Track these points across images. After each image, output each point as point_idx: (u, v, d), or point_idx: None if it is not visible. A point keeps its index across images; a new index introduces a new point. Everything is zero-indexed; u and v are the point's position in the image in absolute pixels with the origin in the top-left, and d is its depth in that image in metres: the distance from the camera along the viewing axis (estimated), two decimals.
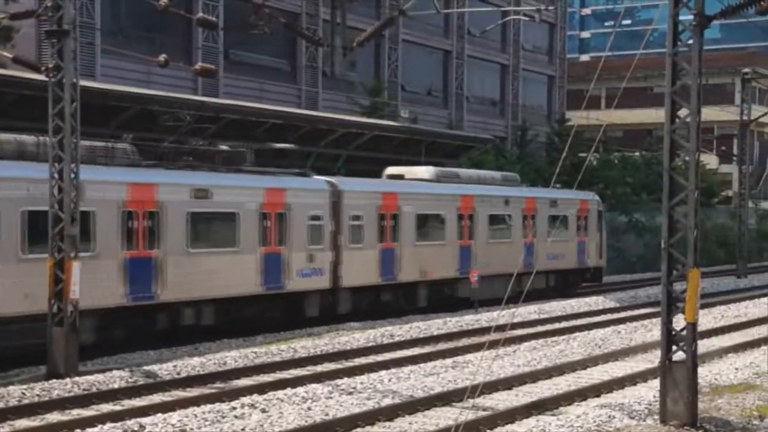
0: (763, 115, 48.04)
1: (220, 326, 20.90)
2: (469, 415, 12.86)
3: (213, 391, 15.35)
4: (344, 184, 24.74)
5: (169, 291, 19.77)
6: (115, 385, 15.72)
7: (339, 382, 16.22)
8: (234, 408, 13.93)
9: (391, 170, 28.39)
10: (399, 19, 20.31)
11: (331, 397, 14.90)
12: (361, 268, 24.67)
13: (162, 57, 18.58)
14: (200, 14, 18.48)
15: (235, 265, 21.26)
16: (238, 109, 27.20)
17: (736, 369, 16.99)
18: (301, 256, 22.97)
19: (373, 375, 16.94)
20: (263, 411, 13.90)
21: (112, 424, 12.75)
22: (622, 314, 26.80)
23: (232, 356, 18.39)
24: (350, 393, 15.29)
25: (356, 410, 13.84)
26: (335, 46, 16.72)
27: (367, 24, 25.86)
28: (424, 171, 28.54)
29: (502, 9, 30.75)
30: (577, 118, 42.42)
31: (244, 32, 29.49)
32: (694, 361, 12.70)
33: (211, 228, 21.12)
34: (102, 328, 18.89)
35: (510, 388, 16.02)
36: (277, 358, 18.58)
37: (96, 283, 18.16)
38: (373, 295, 25.47)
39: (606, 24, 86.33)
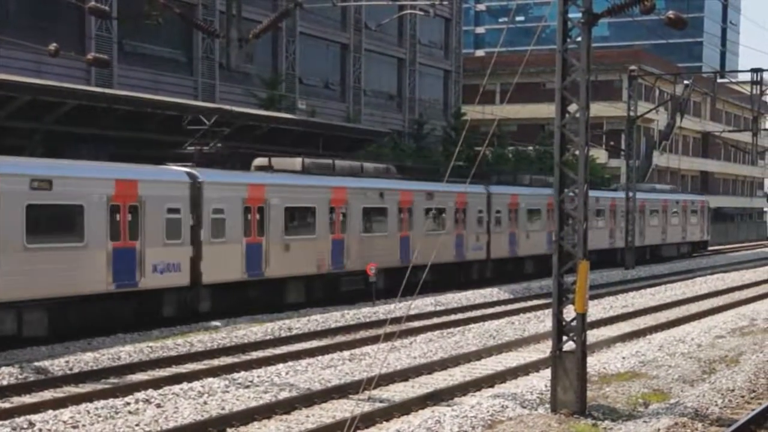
0: (648, 111, 49.58)
1: None
2: (366, 407, 12.98)
3: (106, 386, 15.11)
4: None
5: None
6: (4, 382, 15.30)
7: (236, 375, 16.15)
8: (128, 403, 13.73)
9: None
10: (296, 11, 20.29)
11: (227, 391, 14.82)
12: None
13: (53, 46, 18.11)
14: (92, 3, 18.05)
15: None
16: (131, 100, 26.70)
17: (623, 358, 17.55)
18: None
19: (271, 368, 16.91)
20: (158, 406, 13.74)
21: (0, 422, 12.42)
22: (516, 305, 27.37)
23: (127, 351, 18.10)
24: (247, 387, 15.24)
25: (253, 404, 13.82)
26: (231, 38, 16.60)
27: (264, 16, 25.70)
28: None
29: (399, 3, 31.04)
30: (473, 112, 43.07)
31: (138, 22, 29.00)
32: (583, 350, 13.07)
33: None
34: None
35: (406, 380, 16.22)
36: (173, 353, 18.36)
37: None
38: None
39: (500, 20, 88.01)
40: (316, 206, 25.96)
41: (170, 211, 21.67)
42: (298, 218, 25.42)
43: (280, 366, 17.15)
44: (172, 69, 38.43)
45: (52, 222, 19.25)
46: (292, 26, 43.81)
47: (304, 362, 17.63)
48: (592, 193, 40.73)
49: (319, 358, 18.19)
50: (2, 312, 18.27)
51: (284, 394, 14.57)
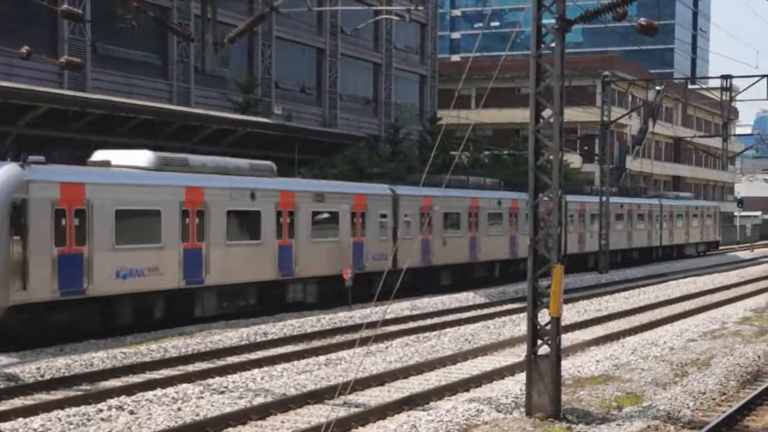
0: (621, 117, 49.89)
1: None
2: (341, 412, 12.98)
3: (78, 393, 14.96)
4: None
5: None
6: None
7: (210, 381, 16.06)
8: (100, 410, 13.62)
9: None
10: (272, 15, 20.24)
11: (202, 397, 14.75)
12: None
13: (25, 49, 17.97)
14: (65, 5, 17.94)
15: None
16: (105, 104, 26.54)
17: (597, 361, 17.64)
18: None
19: (246, 374, 16.85)
20: (131, 413, 13.65)
21: None
22: (492, 309, 27.45)
23: (100, 357, 17.96)
24: (222, 392, 15.17)
25: (228, 410, 13.75)
26: (206, 42, 16.53)
27: (240, 20, 25.65)
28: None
29: (374, 8, 31.17)
30: (449, 117, 43.18)
31: (111, 25, 28.85)
32: (557, 354, 13.12)
33: None
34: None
35: (382, 385, 16.21)
36: (147, 359, 18.25)
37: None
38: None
39: (476, 25, 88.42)
40: (460, 212, 33.95)
41: (381, 216, 29.72)
42: (449, 221, 33.42)
43: (256, 371, 17.09)
44: (146, 72, 38.27)
45: (323, 223, 27.14)
46: (267, 30, 43.75)
47: (279, 367, 17.58)
48: (631, 200, 49.62)
49: (295, 363, 18.15)
50: (298, 284, 26.28)
51: (259, 400, 14.51)
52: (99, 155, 22.07)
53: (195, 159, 23.80)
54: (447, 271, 33.63)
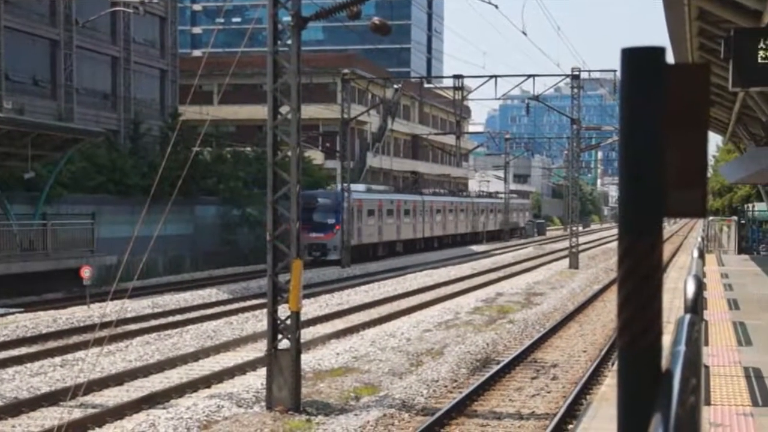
0: (361, 114, 51.29)
1: None
2: (77, 414, 12.60)
3: None
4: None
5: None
6: None
7: None
8: None
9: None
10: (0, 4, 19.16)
11: None
12: None
13: None
14: None
15: None
16: None
17: (337, 354, 18.13)
18: None
19: None
20: None
21: None
22: (235, 305, 27.44)
23: None
24: None
25: None
26: None
27: None
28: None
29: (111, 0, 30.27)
30: (191, 112, 42.62)
31: None
32: (297, 348, 13.42)
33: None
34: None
35: (121, 384, 15.89)
36: None
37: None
38: None
39: (217, 20, 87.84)
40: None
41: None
42: (443, 213, 61.36)
43: None
44: None
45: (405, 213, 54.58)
46: None
47: (11, 370, 16.79)
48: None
49: (28, 365, 17.40)
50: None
51: None
52: (344, 186, 44.72)
53: (375, 187, 52.02)
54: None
